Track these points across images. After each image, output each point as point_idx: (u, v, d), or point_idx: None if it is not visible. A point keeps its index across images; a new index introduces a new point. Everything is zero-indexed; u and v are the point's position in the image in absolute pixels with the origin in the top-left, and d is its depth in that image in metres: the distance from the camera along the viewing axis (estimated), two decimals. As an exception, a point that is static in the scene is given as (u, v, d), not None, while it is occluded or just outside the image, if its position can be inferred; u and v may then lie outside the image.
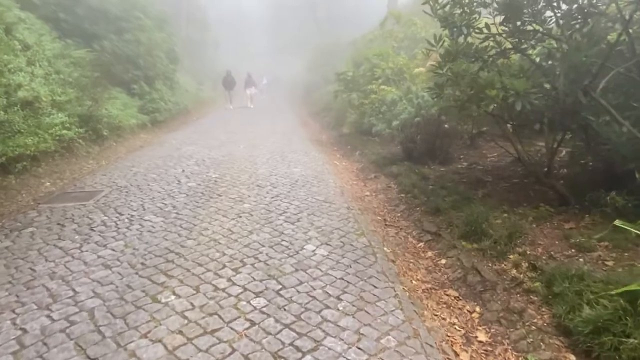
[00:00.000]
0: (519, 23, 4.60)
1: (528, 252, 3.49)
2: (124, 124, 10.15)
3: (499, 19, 4.53)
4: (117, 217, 4.29)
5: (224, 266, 3.26)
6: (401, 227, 4.57)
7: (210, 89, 23.28)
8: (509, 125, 5.86)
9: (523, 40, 4.62)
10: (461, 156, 7.01)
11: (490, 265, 3.47)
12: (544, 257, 3.35)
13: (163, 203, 4.81)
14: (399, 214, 4.97)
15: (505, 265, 3.41)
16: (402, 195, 5.46)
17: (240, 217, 4.38)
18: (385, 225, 4.64)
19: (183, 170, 6.45)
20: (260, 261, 3.38)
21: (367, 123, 9.33)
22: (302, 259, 3.44)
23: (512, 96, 3.65)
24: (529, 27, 4.63)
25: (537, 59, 4.91)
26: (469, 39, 4.60)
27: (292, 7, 35.18)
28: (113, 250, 3.53)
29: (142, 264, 3.27)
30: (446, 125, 6.61)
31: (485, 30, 4.61)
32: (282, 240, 3.82)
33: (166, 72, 14.09)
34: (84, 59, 10.66)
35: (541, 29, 4.45)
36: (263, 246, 3.66)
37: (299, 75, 29.44)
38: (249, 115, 15.78)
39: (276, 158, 7.71)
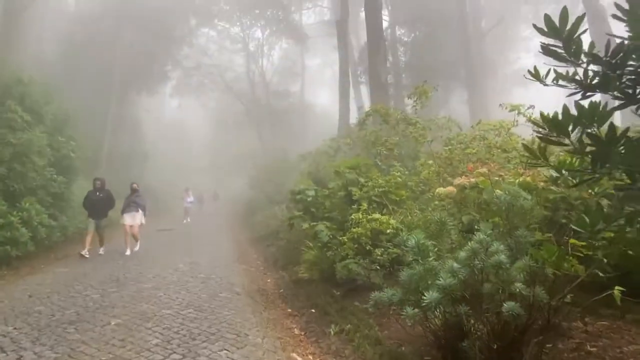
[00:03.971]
0: None
1: None
2: None
3: None
4: None
5: None
6: None
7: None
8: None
9: None
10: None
11: None
12: None
13: None
14: None
15: None
16: None
17: None
18: None
19: None
20: None
21: (342, 267, 5.77)
22: None
23: None
24: None
25: None
26: None
27: (235, 122, 33.94)
28: None
29: None
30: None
31: None
32: None
33: (48, 186, 10.07)
34: None
35: None
36: None
37: (241, 194, 26.29)
38: (157, 248, 11.45)
39: (171, 366, 3.63)
